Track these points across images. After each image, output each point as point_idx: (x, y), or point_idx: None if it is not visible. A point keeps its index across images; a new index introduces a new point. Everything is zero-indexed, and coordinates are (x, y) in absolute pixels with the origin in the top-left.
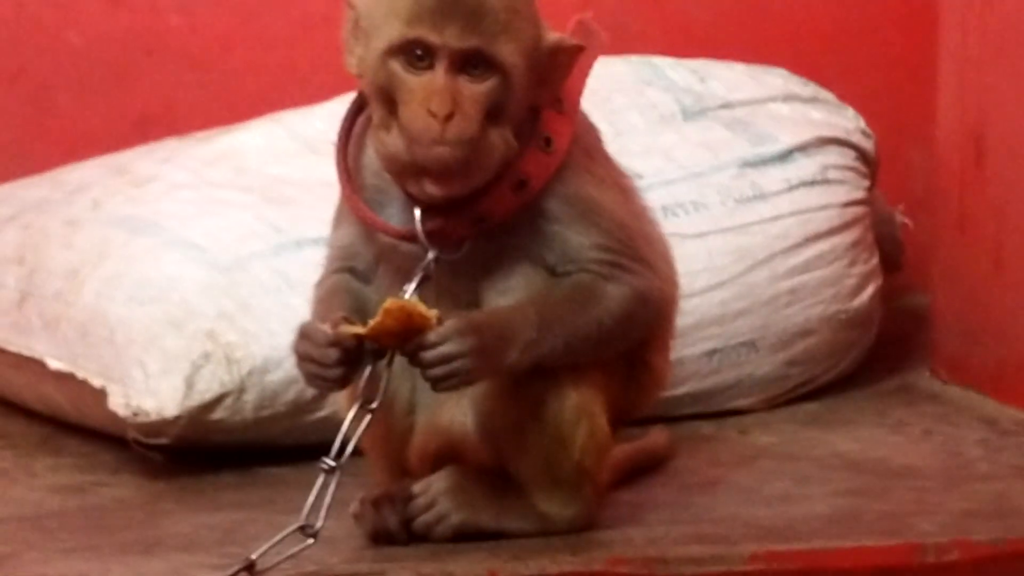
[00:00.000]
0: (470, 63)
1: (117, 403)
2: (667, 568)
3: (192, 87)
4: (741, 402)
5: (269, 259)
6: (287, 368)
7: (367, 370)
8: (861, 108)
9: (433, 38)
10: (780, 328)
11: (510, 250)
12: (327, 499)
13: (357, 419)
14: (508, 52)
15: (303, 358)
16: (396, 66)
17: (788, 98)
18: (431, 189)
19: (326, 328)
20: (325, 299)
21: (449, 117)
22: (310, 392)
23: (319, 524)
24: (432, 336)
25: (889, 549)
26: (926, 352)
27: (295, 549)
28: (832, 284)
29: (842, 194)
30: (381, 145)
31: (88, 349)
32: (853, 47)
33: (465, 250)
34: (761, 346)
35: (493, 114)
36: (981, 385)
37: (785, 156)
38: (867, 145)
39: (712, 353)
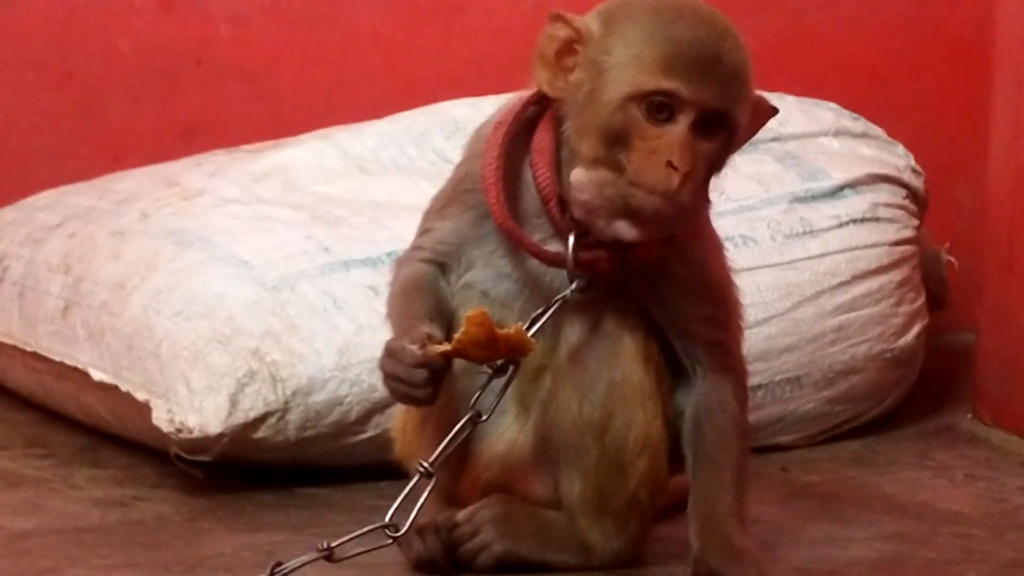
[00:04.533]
0: (711, 122)
1: (161, 418)
2: None
3: (240, 98)
4: (784, 438)
5: (316, 279)
6: (331, 389)
7: (486, 382)
8: (909, 145)
9: (688, 94)
10: (825, 365)
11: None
12: (419, 503)
13: (463, 429)
14: (742, 114)
15: (391, 377)
16: (637, 112)
17: (839, 133)
18: (626, 231)
19: (414, 349)
20: (406, 295)
21: (688, 174)
22: (354, 414)
23: (405, 527)
24: None
25: None
26: (968, 393)
27: (372, 547)
28: (879, 323)
29: (892, 232)
30: (592, 177)
31: (133, 362)
32: (902, 83)
33: (595, 286)
34: (806, 383)
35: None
36: None
37: (836, 192)
38: (917, 183)
39: (757, 388)
